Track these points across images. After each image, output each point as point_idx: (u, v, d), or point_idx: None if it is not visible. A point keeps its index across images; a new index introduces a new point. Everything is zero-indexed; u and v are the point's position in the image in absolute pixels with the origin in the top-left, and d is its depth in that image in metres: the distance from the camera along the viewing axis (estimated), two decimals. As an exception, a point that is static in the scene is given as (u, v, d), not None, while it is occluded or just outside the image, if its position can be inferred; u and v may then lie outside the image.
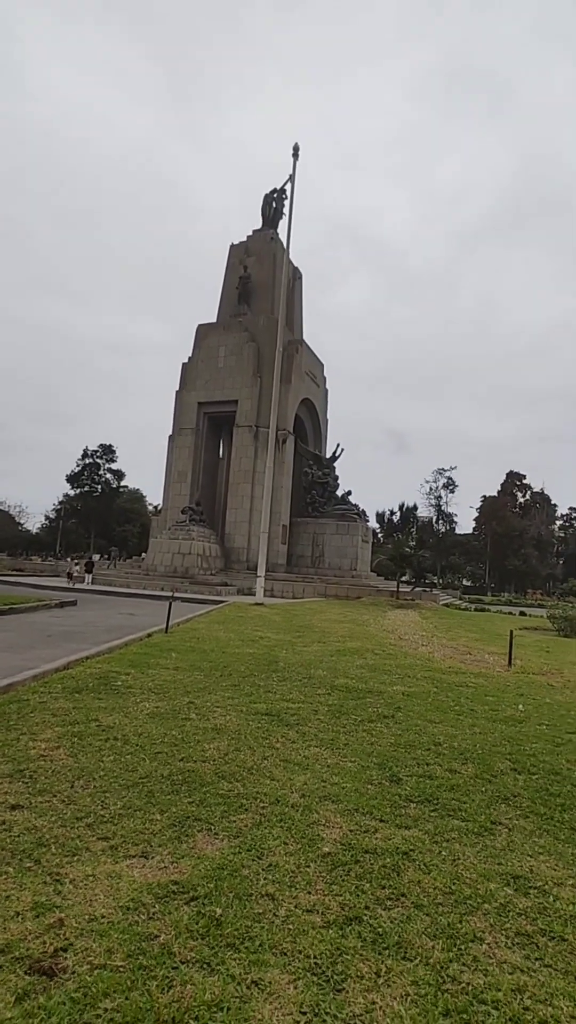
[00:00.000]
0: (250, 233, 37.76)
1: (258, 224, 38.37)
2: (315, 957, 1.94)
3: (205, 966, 1.86)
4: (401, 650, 10.34)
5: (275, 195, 37.49)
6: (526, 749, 4.56)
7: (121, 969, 1.82)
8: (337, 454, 37.17)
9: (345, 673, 7.34)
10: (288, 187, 24.56)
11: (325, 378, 39.62)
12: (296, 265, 38.16)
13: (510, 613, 28.08)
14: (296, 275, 38.20)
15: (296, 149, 23.75)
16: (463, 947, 2.05)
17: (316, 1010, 1.71)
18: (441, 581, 67.60)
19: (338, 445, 37.60)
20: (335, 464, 36.67)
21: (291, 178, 24.24)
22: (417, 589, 34.15)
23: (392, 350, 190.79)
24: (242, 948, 1.96)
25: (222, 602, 19.22)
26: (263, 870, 2.48)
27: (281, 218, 36.15)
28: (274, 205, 37.72)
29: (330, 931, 2.09)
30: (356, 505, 35.50)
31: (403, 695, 6.28)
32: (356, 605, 23.76)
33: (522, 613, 28.76)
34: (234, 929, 2.05)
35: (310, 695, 5.94)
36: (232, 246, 37.45)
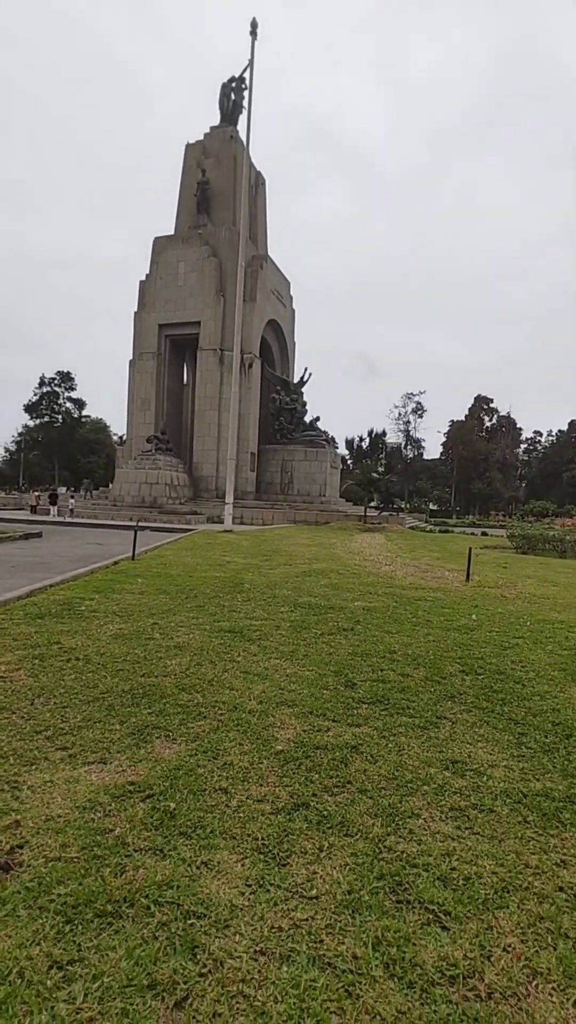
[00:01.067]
0: (207, 131, 34.31)
1: (216, 120, 34.81)
2: (263, 839, 2.07)
3: (157, 852, 1.97)
4: (365, 570, 10.65)
5: (233, 85, 33.85)
6: (475, 653, 4.83)
7: (76, 860, 1.91)
8: (305, 379, 36.35)
9: (309, 592, 7.54)
10: (248, 75, 22.11)
11: (292, 297, 37.89)
12: (259, 170, 35.23)
13: (472, 534, 29.09)
14: (259, 180, 35.37)
15: (254, 26, 21.15)
16: (401, 823, 2.22)
17: (261, 882, 1.85)
18: (408, 505, 69.10)
19: (306, 369, 36.72)
20: (303, 389, 35.93)
21: (250, 63, 21.78)
22: (384, 513, 34.87)
23: (364, 267, 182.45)
24: (194, 836, 2.08)
25: (191, 530, 19.27)
26: (218, 768, 2.60)
27: (241, 112, 32.82)
28: (232, 97, 34.11)
29: (279, 817, 2.23)
30: (325, 432, 35.26)
31: (363, 610, 6.52)
32: (324, 530, 24.19)
33: (484, 533, 29.83)
34: (187, 820, 2.17)
35: (273, 612, 6.11)
36: (188, 145, 34.10)
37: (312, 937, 1.63)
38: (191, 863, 1.92)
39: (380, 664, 4.39)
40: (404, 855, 2.02)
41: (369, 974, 1.51)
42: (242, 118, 29.29)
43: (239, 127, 32.79)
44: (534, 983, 1.51)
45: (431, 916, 1.74)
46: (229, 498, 21.33)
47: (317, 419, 35.50)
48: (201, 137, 34.08)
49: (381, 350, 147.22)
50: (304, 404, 35.27)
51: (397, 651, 4.79)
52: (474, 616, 6.41)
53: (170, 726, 3.04)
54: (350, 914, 1.73)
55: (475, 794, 2.47)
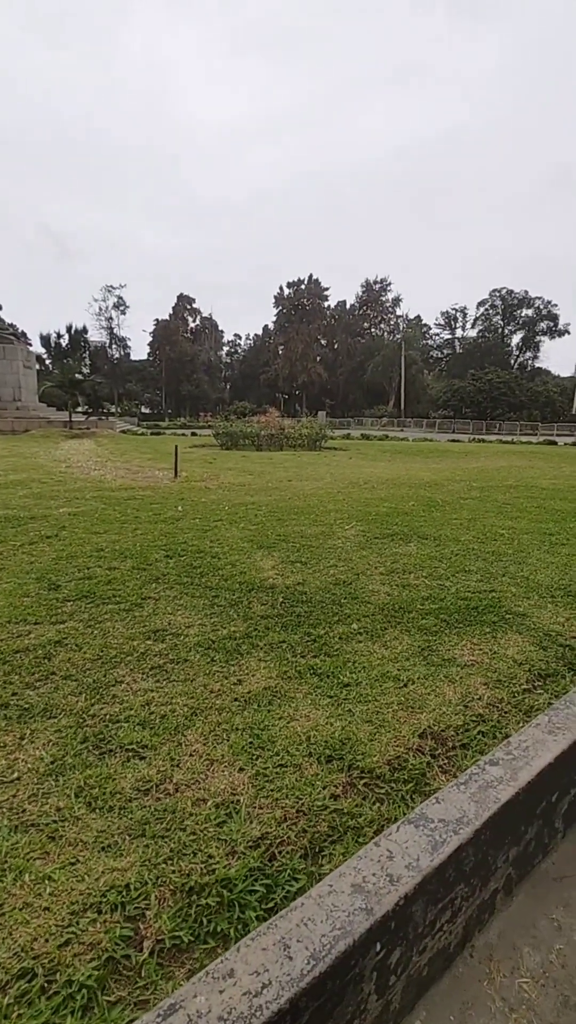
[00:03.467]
0: None
1: None
2: (-45, 749, 1.99)
3: None
4: (72, 476, 10.08)
5: None
6: (179, 539, 5.23)
7: None
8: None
9: (5, 505, 6.80)
10: None
11: None
12: None
13: (183, 434, 30.10)
14: None
15: None
16: (104, 691, 2.41)
17: (-47, 787, 1.79)
18: (119, 409, 66.44)
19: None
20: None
21: None
22: (93, 418, 32.85)
23: (38, 113, 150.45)
24: None
25: None
26: None
27: None
28: None
29: (-27, 724, 2.14)
30: (12, 325, 30.15)
31: (69, 516, 6.26)
32: (24, 438, 21.56)
33: (193, 434, 31.18)
34: None
35: (-41, 531, 5.35)
36: None
37: (14, 810, 1.70)
38: None
39: (87, 563, 4.37)
40: (107, 716, 2.21)
41: (72, 816, 1.68)
42: None
43: None
44: (212, 768, 1.92)
45: (131, 754, 1.99)
46: None
47: (-2, 307, 29.96)
48: None
49: (72, 227, 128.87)
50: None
51: (105, 548, 4.83)
52: (179, 508, 6.85)
53: None
54: (54, 779, 1.85)
55: (173, 652, 2.81)
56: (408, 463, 15.58)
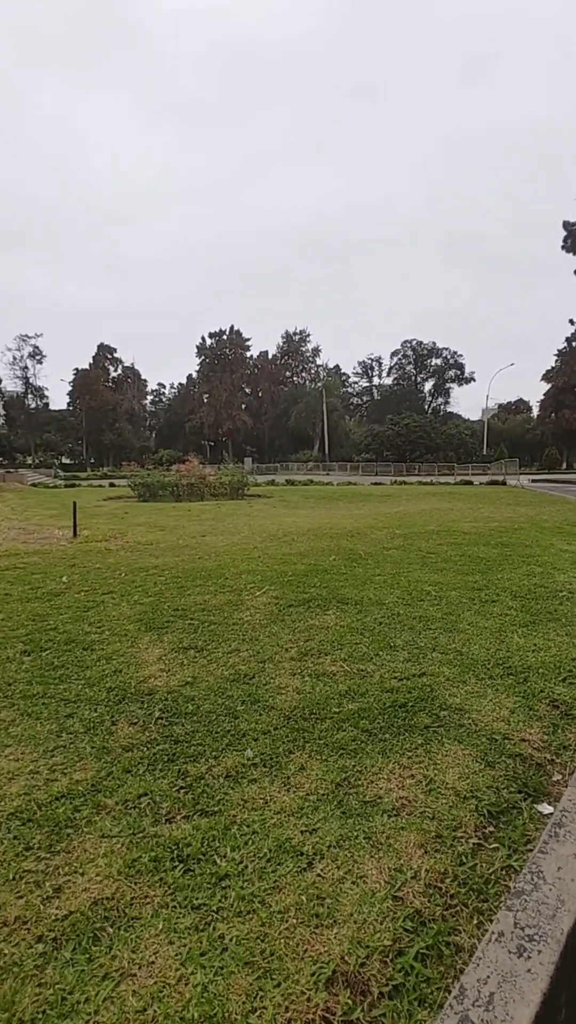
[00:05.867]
0: None
1: None
2: None
3: None
4: (-52, 542, 8.69)
5: None
6: (50, 624, 4.24)
7: None
8: None
9: None
10: None
11: None
12: None
13: (100, 485, 28.52)
14: None
15: None
16: None
17: None
18: (35, 460, 63.18)
19: None
20: None
21: None
22: (0, 471, 30.62)
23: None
24: None
25: None
26: None
27: None
28: None
29: None
30: None
31: None
32: None
33: (111, 484, 29.65)
34: None
35: None
36: None
37: None
38: None
39: None
40: None
41: None
42: None
43: None
44: None
45: None
46: None
47: None
48: None
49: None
50: None
51: (-57, 646, 3.76)
52: (65, 579, 5.81)
53: None
54: None
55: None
56: (331, 509, 15.22)
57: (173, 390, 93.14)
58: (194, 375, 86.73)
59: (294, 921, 1.52)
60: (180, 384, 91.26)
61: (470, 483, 32.35)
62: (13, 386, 73.13)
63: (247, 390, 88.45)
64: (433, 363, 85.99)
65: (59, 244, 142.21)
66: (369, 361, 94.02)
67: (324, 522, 11.24)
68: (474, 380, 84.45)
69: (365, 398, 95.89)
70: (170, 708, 2.81)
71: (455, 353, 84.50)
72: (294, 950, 1.43)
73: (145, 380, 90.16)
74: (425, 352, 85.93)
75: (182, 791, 2.11)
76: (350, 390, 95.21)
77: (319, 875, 1.69)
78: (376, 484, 31.95)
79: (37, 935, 1.48)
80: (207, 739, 2.50)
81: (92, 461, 73.87)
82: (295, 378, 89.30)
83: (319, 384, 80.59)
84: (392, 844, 1.82)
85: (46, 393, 74.80)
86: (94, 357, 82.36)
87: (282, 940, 1.46)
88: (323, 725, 2.61)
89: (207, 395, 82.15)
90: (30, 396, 74.00)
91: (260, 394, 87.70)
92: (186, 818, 1.96)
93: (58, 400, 78.88)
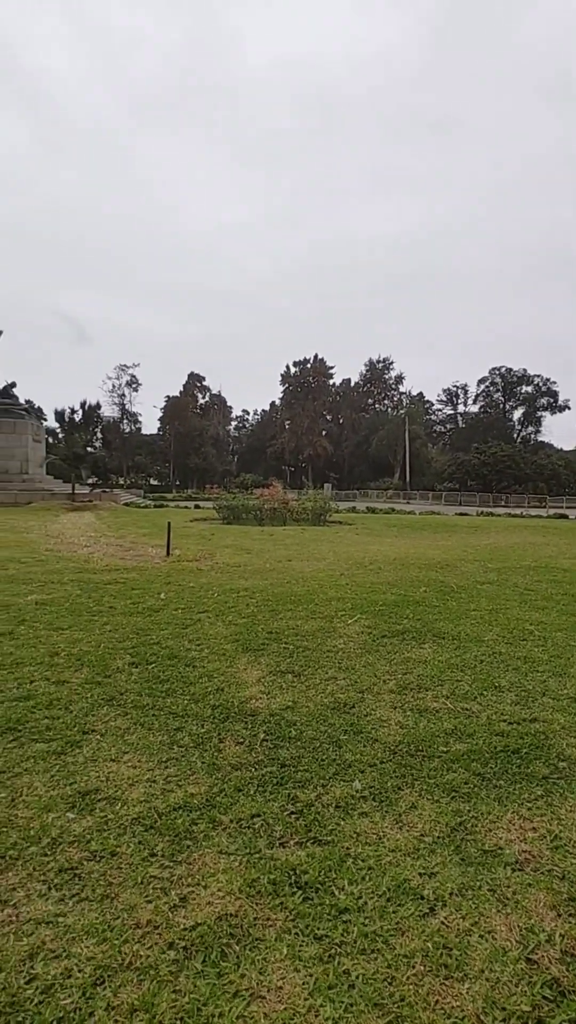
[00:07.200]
0: None
1: None
2: None
3: None
4: (57, 555, 9.42)
5: None
6: (152, 638, 4.46)
7: None
8: (-10, 335, 31.03)
9: (-32, 591, 6.10)
10: None
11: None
12: None
13: (186, 507, 29.75)
14: None
15: None
16: (-27, 926, 1.58)
17: None
18: (127, 481, 67.22)
19: (-9, 324, 31.22)
20: (-11, 347, 30.60)
21: None
22: (97, 490, 32.86)
23: (53, 218, 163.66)
24: None
25: None
26: None
27: None
28: None
29: None
30: (29, 401, 30.95)
31: (35, 605, 5.52)
32: (24, 511, 21.23)
33: (197, 506, 30.81)
34: None
35: None
36: None
37: None
38: None
39: (32, 674, 3.59)
40: (-41, 987, 1.38)
41: None
42: None
43: None
44: None
45: None
46: None
47: (13, 385, 30.80)
48: None
49: (91, 315, 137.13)
50: (-8, 365, 30.08)
51: (61, 652, 4.05)
52: (163, 595, 6.10)
53: None
54: None
55: (99, 836, 1.98)
56: (416, 539, 14.86)
57: (256, 416, 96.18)
58: (277, 402, 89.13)
59: (421, 968, 1.47)
60: (263, 410, 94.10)
61: (565, 517, 30.38)
62: (111, 412, 79.02)
63: (328, 417, 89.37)
64: (523, 391, 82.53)
65: (156, 279, 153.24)
66: (454, 388, 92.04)
67: (410, 551, 11.00)
68: (569, 408, 79.99)
69: (449, 426, 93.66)
70: (273, 731, 2.84)
71: (548, 380, 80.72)
72: (424, 999, 1.38)
73: (231, 407, 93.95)
74: (515, 379, 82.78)
75: (293, 816, 2.12)
76: (433, 417, 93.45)
77: (443, 923, 1.62)
78: (461, 514, 30.83)
79: (168, 941, 1.54)
80: (313, 766, 2.50)
81: (177, 483, 77.51)
82: (377, 405, 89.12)
83: (402, 412, 79.86)
84: (520, 901, 1.71)
85: (139, 418, 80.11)
86: (184, 385, 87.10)
87: (411, 986, 1.42)
88: (431, 764, 2.53)
89: (289, 421, 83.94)
90: (125, 421, 79.54)
91: (341, 421, 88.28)
92: (299, 844, 1.96)
93: (149, 425, 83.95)
